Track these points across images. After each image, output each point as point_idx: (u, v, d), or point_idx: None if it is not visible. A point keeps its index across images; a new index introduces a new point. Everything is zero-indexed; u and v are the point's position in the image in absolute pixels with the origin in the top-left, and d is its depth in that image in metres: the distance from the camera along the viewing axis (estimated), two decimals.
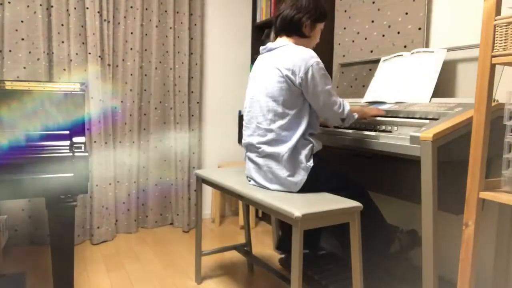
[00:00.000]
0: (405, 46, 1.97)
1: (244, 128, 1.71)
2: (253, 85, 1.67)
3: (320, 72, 1.49)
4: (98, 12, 2.47)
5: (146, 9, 2.69)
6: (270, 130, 1.54)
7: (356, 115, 1.62)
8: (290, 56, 1.51)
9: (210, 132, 3.11)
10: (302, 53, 1.50)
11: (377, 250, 1.64)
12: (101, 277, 2.05)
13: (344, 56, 2.37)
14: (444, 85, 1.83)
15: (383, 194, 1.89)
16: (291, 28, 1.61)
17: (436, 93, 1.81)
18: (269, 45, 1.64)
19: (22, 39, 2.30)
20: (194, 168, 2.94)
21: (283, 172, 1.52)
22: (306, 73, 1.47)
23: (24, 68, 2.32)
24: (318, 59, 1.50)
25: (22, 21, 2.30)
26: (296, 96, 1.51)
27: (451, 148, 1.33)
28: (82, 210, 2.51)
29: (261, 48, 1.69)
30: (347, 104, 1.59)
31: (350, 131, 1.67)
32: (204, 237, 2.70)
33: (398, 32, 2.00)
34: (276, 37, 1.68)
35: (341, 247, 2.09)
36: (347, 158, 2.10)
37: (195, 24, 2.87)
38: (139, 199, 2.79)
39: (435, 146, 1.29)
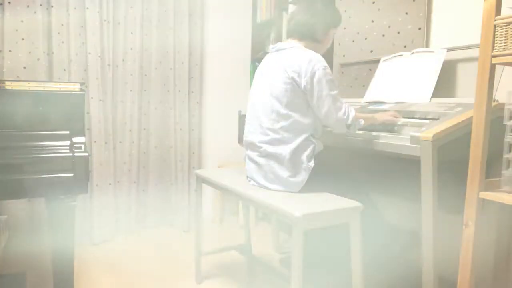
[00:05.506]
0: (405, 46, 1.97)
1: (246, 125, 1.70)
2: (258, 83, 1.66)
3: (326, 76, 1.47)
4: (98, 12, 2.47)
5: (146, 9, 2.68)
6: (273, 130, 1.54)
7: (362, 122, 1.56)
8: (297, 59, 1.50)
9: (210, 132, 3.11)
10: (309, 56, 1.49)
11: (377, 250, 1.64)
12: (101, 277, 2.05)
13: (344, 56, 2.36)
14: (444, 85, 1.82)
15: (383, 194, 1.89)
16: (304, 31, 1.60)
17: (436, 93, 1.81)
18: (279, 45, 1.63)
19: (22, 39, 2.30)
20: (194, 168, 2.94)
21: (285, 173, 1.52)
22: (312, 77, 1.47)
23: (24, 68, 2.32)
24: (325, 64, 1.49)
25: (22, 21, 2.29)
26: (301, 99, 1.50)
27: (451, 148, 1.33)
28: (82, 210, 2.51)
29: (271, 46, 1.68)
30: (353, 110, 1.54)
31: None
32: (204, 237, 2.70)
33: (398, 32, 2.00)
34: (287, 38, 1.67)
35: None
36: (347, 158, 2.10)
37: (195, 24, 2.87)
38: (139, 199, 2.79)
39: (435, 146, 1.29)
